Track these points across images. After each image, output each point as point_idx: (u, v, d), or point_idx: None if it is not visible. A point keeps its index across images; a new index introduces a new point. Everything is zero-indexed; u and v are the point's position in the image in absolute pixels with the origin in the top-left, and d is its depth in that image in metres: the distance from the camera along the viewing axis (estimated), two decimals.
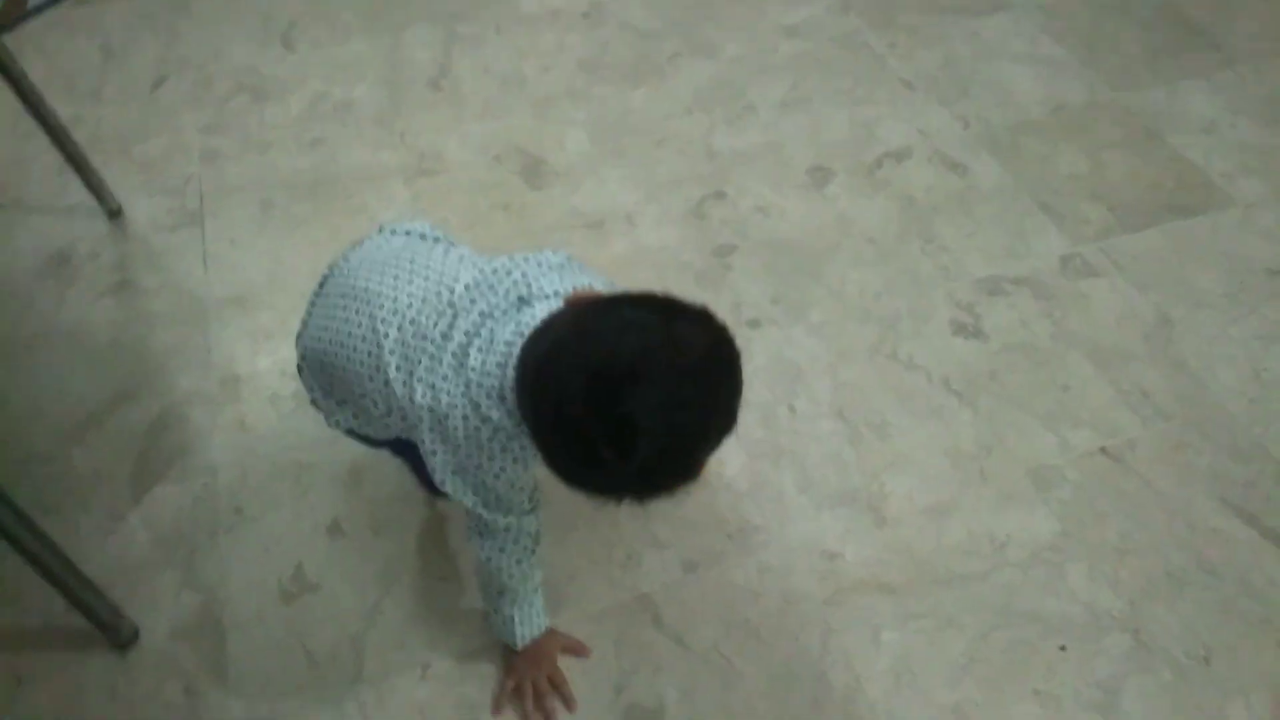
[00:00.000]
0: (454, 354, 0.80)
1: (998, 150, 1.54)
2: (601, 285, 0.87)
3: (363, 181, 1.50)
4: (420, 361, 0.81)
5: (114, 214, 1.44)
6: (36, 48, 1.75)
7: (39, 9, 1.80)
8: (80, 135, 1.40)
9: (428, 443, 0.81)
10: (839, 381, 1.24)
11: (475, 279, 0.84)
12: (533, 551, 0.91)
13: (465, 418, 0.78)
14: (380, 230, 0.97)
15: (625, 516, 1.10)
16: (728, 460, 1.15)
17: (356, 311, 0.86)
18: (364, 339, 0.84)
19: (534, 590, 0.94)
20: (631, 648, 1.01)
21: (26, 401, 1.23)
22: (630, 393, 0.66)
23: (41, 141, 1.35)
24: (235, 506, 1.12)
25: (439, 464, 0.82)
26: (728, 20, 1.81)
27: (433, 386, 0.80)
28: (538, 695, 0.96)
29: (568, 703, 0.96)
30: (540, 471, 0.78)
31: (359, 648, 1.01)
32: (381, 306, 0.85)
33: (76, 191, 1.42)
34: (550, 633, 0.98)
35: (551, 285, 0.83)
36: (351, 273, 0.91)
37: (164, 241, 1.42)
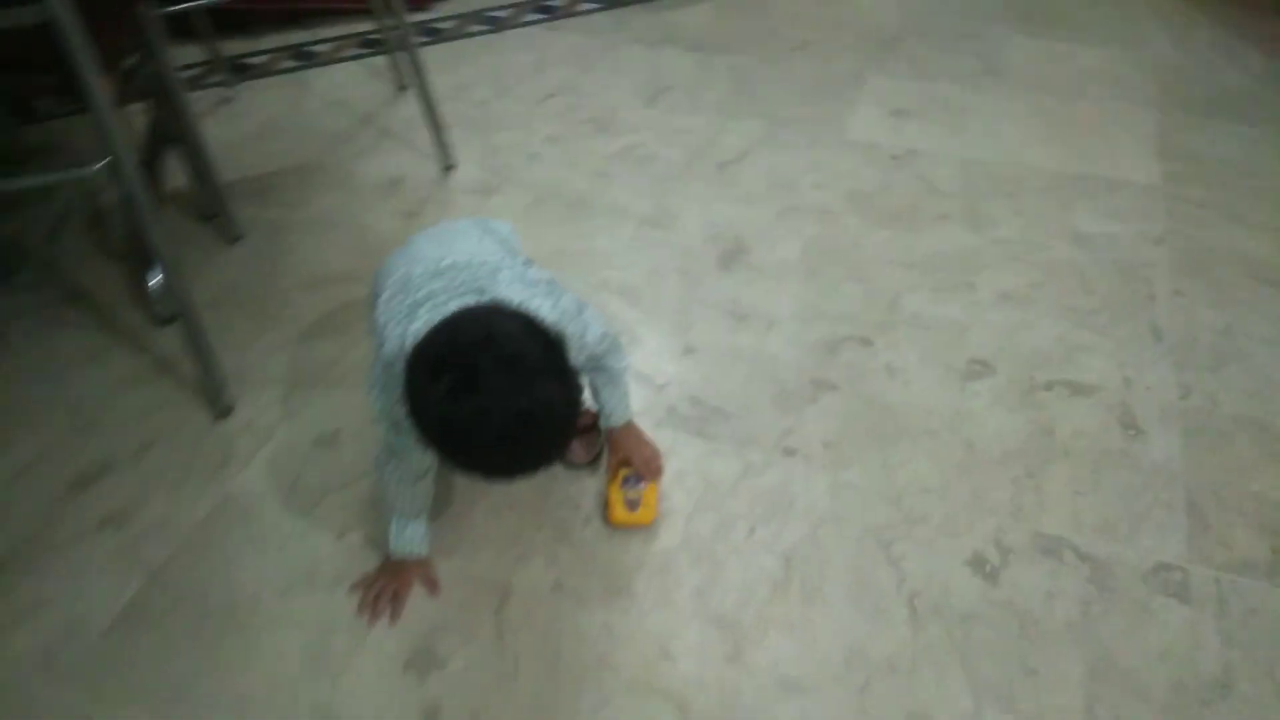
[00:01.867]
0: (410, 306, 1.04)
1: (1193, 434, 1.33)
2: (560, 313, 1.04)
3: (611, 212, 1.81)
4: (395, 299, 1.07)
5: (447, 169, 1.93)
6: (498, 49, 2.36)
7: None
8: (463, 107, 1.91)
9: (374, 355, 1.07)
10: (814, 536, 1.23)
11: (461, 261, 1.08)
12: (414, 482, 1.12)
13: (394, 354, 1.02)
14: (473, 219, 1.25)
15: (547, 528, 1.25)
16: (661, 533, 1.23)
17: (398, 255, 1.15)
18: (388, 273, 1.13)
19: (414, 516, 1.15)
20: (465, 610, 1.16)
21: (304, 248, 1.74)
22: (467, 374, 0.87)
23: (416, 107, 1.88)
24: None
25: (373, 377, 1.07)
26: (1025, 208, 1.77)
27: (389, 320, 1.05)
28: (378, 596, 1.16)
29: (392, 616, 1.15)
30: None
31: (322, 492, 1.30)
32: (409, 256, 1.13)
33: (429, 142, 1.94)
34: (421, 561, 1.18)
35: (510, 292, 1.03)
36: (425, 232, 1.20)
37: (463, 198, 1.87)
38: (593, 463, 1.32)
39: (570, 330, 1.05)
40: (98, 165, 1.15)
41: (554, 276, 1.11)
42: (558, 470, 1.32)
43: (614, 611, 1.15)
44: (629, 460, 1.25)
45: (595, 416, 1.33)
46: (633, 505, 1.22)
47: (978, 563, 1.19)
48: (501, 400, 0.87)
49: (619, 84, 2.21)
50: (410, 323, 1.00)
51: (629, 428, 1.26)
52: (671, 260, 1.69)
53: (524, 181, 1.90)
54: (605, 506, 1.24)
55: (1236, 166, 1.85)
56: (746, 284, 1.63)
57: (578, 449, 1.32)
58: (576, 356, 1.08)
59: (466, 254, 1.10)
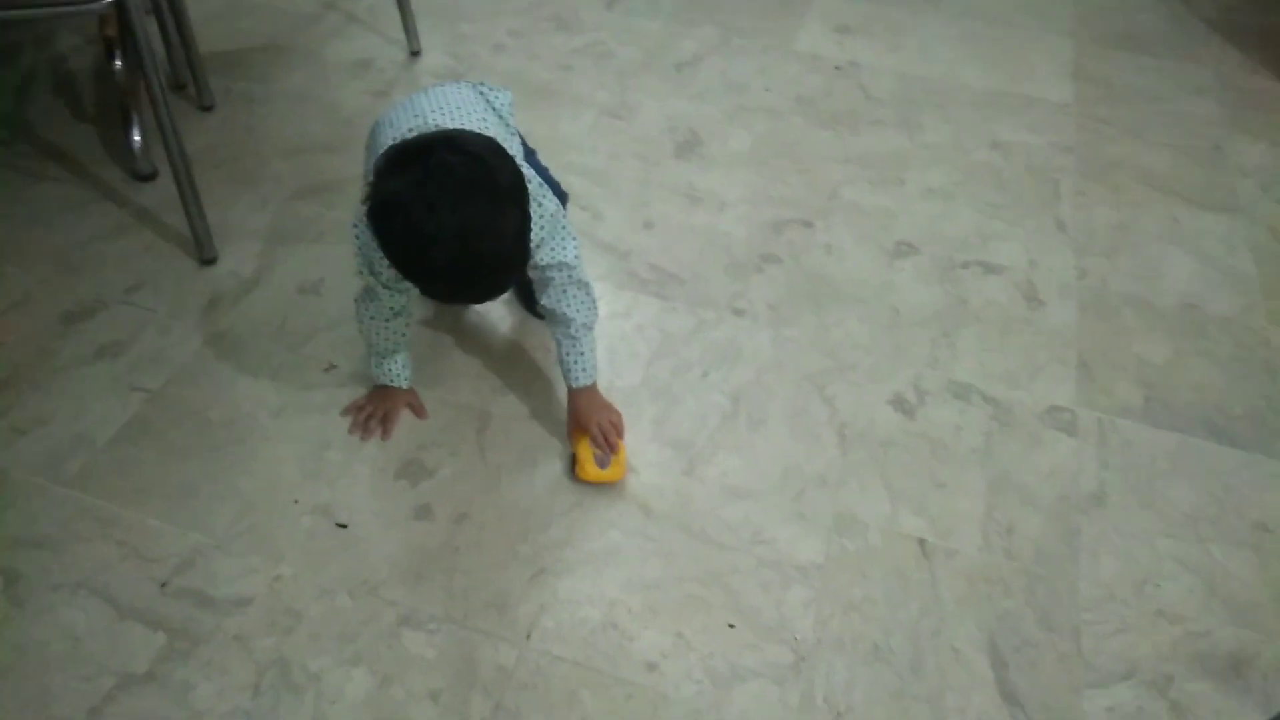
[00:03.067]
0: (392, 140, 1.12)
1: (1088, 306, 1.53)
2: (544, 213, 1.11)
3: (573, 102, 1.91)
4: (384, 142, 1.15)
5: (414, 54, 2.00)
6: None
7: None
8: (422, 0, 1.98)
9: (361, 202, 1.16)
10: (759, 379, 1.38)
11: (442, 105, 1.15)
12: (388, 319, 1.20)
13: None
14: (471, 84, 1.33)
15: (522, 367, 1.38)
16: (624, 374, 1.37)
17: (398, 109, 1.22)
18: (385, 125, 1.21)
19: (392, 352, 1.25)
20: (450, 432, 1.29)
21: (278, 119, 1.80)
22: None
23: None
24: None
25: (356, 215, 1.15)
26: (953, 116, 1.94)
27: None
28: (368, 418, 1.28)
29: (384, 434, 1.27)
30: None
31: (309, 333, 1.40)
32: (410, 113, 1.20)
33: (398, 28, 2.00)
34: (408, 390, 1.30)
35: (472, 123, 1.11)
36: (426, 92, 1.28)
37: (431, 82, 1.94)
38: None
39: (549, 230, 1.12)
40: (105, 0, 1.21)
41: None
42: (532, 320, 1.44)
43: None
44: (586, 428, 1.21)
45: None
46: (602, 463, 1.20)
47: (898, 402, 1.36)
48: (453, 194, 0.92)
49: None
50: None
51: (588, 392, 1.22)
52: (631, 147, 1.81)
53: (489, 69, 1.99)
54: (574, 463, 1.21)
55: (1141, 92, 2.05)
56: (700, 171, 1.77)
57: None
58: (544, 262, 1.15)
59: (476, 120, 1.14)
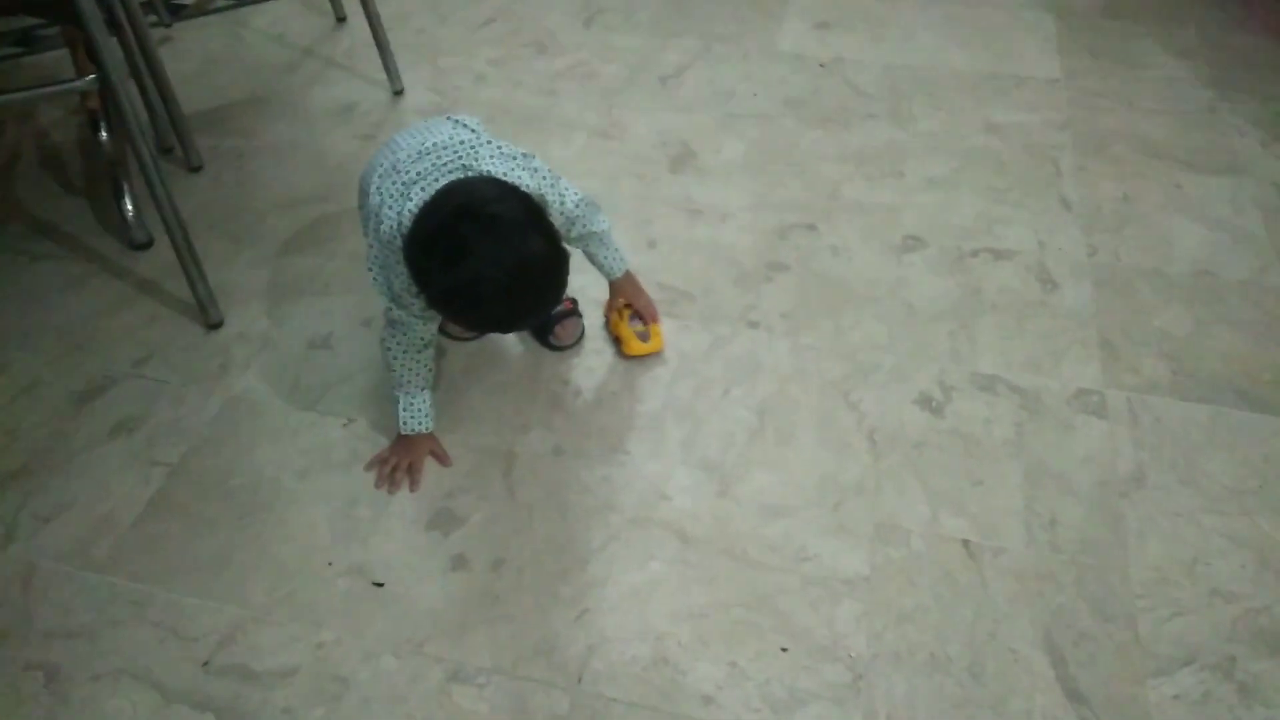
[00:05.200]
0: (403, 186, 1.12)
1: (1103, 284, 1.52)
2: (539, 180, 1.15)
3: (562, 126, 1.90)
4: (386, 182, 1.14)
5: (397, 93, 1.98)
6: None
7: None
8: (404, 36, 1.96)
9: (370, 238, 1.16)
10: (782, 391, 1.37)
11: (443, 142, 1.16)
12: (419, 351, 1.21)
13: (392, 232, 1.10)
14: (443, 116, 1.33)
15: (541, 401, 1.36)
16: (645, 399, 1.36)
17: (380, 152, 1.23)
18: (373, 168, 1.21)
19: (420, 389, 1.25)
20: (476, 476, 1.27)
21: (267, 173, 1.79)
22: (470, 232, 1.00)
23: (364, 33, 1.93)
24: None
25: (370, 259, 1.16)
26: (945, 104, 1.93)
27: (383, 203, 1.13)
28: (394, 470, 1.26)
29: (412, 485, 1.26)
30: None
31: (323, 389, 1.39)
32: (392, 149, 1.20)
33: (377, 69, 1.99)
34: (430, 436, 1.28)
35: (492, 166, 1.13)
36: (401, 131, 1.28)
37: (417, 120, 1.92)
38: (576, 344, 1.43)
39: (549, 196, 1.17)
40: (89, 77, 1.19)
41: (530, 151, 1.19)
42: (545, 353, 1.43)
43: (611, 465, 1.28)
44: (632, 304, 1.40)
45: (574, 302, 1.45)
46: (644, 337, 1.40)
47: (925, 400, 1.35)
48: (491, 259, 1.00)
49: (554, 7, 2.28)
50: (405, 201, 1.09)
51: (628, 277, 1.38)
52: (625, 166, 1.79)
53: (474, 101, 1.97)
54: (619, 343, 1.41)
55: (1128, 60, 2.04)
56: (698, 183, 1.75)
57: (562, 332, 1.42)
58: (559, 222, 1.19)
59: (446, 136, 1.17)
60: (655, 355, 1.41)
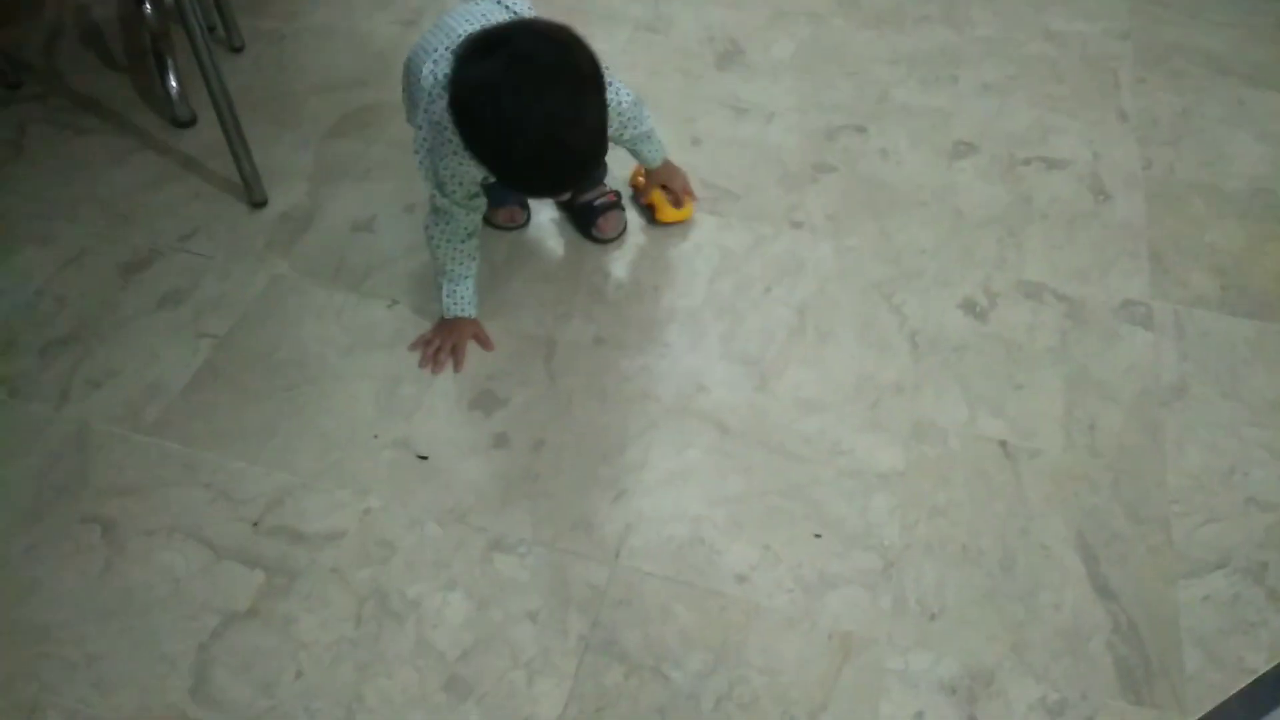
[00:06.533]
0: (448, 52, 1.11)
1: (1156, 197, 1.48)
2: None
3: (606, 18, 1.85)
4: (442, 67, 1.13)
5: None
6: None
7: None
8: None
9: (420, 120, 1.15)
10: (823, 291, 1.36)
11: (470, 19, 1.13)
12: (463, 240, 1.21)
13: (443, 111, 1.09)
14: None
15: (582, 292, 1.36)
16: (685, 293, 1.35)
17: (432, 32, 1.21)
18: (426, 51, 1.18)
19: (464, 277, 1.25)
20: (518, 361, 1.28)
21: (309, 56, 1.77)
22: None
23: None
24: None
25: (419, 140, 1.15)
26: (1002, 8, 1.87)
27: (436, 84, 1.12)
28: (438, 350, 1.28)
29: (456, 365, 1.27)
30: None
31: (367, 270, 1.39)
32: (444, 32, 1.18)
33: None
34: (473, 320, 1.29)
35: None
36: (452, 12, 1.25)
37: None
38: (619, 237, 1.43)
39: (628, 116, 1.18)
40: None
41: None
42: (587, 245, 1.42)
43: (651, 356, 1.28)
44: (668, 185, 1.41)
45: (618, 195, 1.43)
46: (676, 204, 1.43)
47: (968, 305, 1.34)
48: (540, 83, 0.95)
49: None
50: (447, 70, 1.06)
51: (667, 163, 1.40)
52: (670, 61, 1.76)
53: None
54: (652, 210, 1.44)
55: None
56: (744, 81, 1.71)
57: (605, 224, 1.42)
58: (615, 122, 1.17)
59: (500, 19, 1.15)
60: (687, 222, 1.45)
